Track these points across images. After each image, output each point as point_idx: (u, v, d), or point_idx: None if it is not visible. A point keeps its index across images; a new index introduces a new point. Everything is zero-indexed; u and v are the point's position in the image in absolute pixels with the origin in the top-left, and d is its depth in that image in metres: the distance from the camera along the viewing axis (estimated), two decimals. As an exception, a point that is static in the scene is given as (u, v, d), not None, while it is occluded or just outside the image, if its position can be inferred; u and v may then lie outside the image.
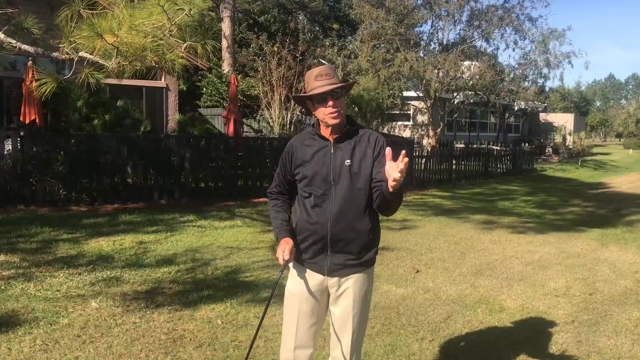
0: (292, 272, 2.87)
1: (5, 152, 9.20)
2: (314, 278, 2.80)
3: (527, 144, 25.57)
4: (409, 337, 4.43)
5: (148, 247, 6.97)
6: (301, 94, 2.84)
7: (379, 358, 3.96)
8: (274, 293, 2.86)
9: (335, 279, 2.78)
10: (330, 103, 2.70)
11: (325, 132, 2.80)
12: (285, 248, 2.69)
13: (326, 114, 2.72)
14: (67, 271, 5.77)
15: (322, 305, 2.86)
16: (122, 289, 5.30)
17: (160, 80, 15.73)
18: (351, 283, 2.78)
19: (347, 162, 2.74)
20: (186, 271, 6.03)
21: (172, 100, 16.16)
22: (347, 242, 2.74)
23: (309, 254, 2.79)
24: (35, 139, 9.49)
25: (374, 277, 2.96)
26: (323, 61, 22.98)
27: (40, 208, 9.09)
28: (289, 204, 2.93)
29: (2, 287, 5.16)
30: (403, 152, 2.49)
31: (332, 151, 2.76)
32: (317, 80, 2.71)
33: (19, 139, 9.29)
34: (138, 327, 4.38)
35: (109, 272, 5.80)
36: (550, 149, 33.76)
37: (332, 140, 2.78)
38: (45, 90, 5.61)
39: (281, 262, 2.69)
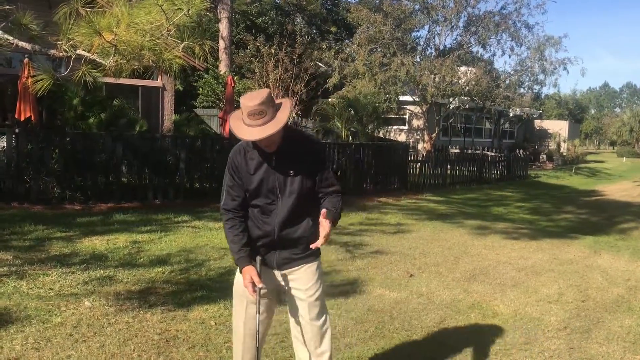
0: None
1: (0, 149, 9.16)
2: (265, 272, 2.93)
3: (521, 151, 25.65)
4: (402, 341, 4.44)
5: (142, 247, 6.95)
6: (235, 128, 2.74)
7: (371, 361, 3.97)
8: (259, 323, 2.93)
9: (285, 271, 2.95)
10: (264, 141, 2.73)
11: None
12: (251, 279, 2.81)
13: (260, 145, 2.80)
14: (61, 270, 5.75)
15: (271, 299, 3.01)
16: (115, 289, 5.28)
17: (157, 80, 15.70)
18: (301, 272, 2.95)
19: (291, 172, 2.83)
20: (180, 271, 6.02)
21: (168, 100, 16.12)
22: (293, 242, 2.91)
23: (259, 252, 2.93)
24: (30, 137, 9.46)
25: (322, 267, 3.11)
26: (320, 64, 23.00)
27: (34, 206, 9.06)
28: (245, 223, 2.91)
29: (-5, 285, 5.14)
30: (323, 211, 2.74)
31: (273, 164, 2.84)
32: (250, 119, 2.68)
33: (13, 136, 9.25)
34: (131, 327, 4.37)
35: (102, 271, 5.79)
36: (544, 156, 33.88)
37: (273, 153, 2.83)
38: (41, 87, 5.58)
39: (252, 292, 2.82)
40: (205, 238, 7.68)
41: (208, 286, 5.49)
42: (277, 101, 2.78)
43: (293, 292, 2.97)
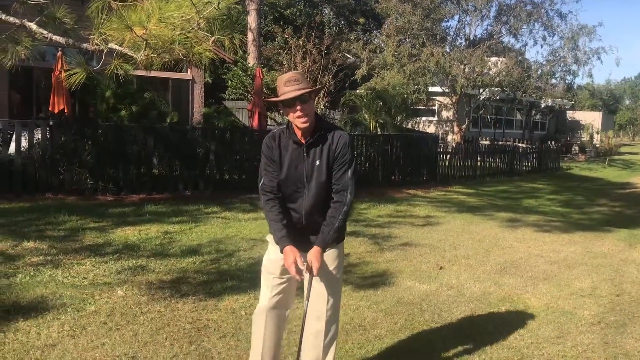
0: (271, 244, 3.14)
1: (35, 142, 9.36)
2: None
3: (553, 142, 25.21)
4: (431, 334, 4.42)
5: (173, 237, 7.05)
6: (273, 98, 3.03)
7: (401, 354, 3.96)
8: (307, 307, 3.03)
9: (303, 249, 3.03)
10: (299, 107, 2.92)
11: (298, 133, 3.01)
12: (294, 259, 2.91)
13: (295, 118, 2.95)
14: (94, 259, 5.87)
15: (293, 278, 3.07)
16: (147, 278, 5.37)
17: (187, 72, 15.85)
18: (326, 254, 3.06)
19: (317, 162, 3.00)
20: (210, 262, 6.08)
21: (198, 92, 16.27)
22: (319, 228, 3.04)
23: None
24: (63, 129, 9.64)
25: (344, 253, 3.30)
26: (348, 55, 22.92)
27: (67, 197, 9.24)
28: (284, 205, 3.05)
29: (31, 273, 5.27)
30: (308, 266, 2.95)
31: (304, 154, 3.01)
32: (286, 86, 2.94)
33: (48, 129, 9.45)
34: (163, 316, 4.44)
35: (134, 261, 5.88)
36: (576, 147, 33.23)
37: (304, 143, 3.00)
38: (75, 81, 5.68)
39: (294, 273, 2.92)
40: (235, 229, 7.74)
41: (238, 276, 5.54)
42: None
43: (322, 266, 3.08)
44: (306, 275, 2.99)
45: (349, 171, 3.01)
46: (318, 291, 3.10)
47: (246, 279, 5.41)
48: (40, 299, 4.67)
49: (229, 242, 6.97)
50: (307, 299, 3.02)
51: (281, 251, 2.96)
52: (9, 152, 9.07)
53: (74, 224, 7.43)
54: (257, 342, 3.16)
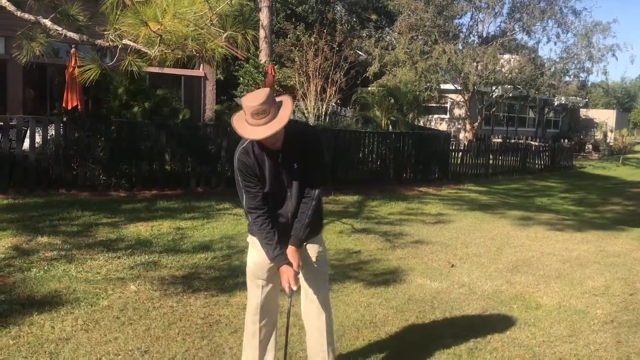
0: (253, 246, 3.19)
1: (49, 138, 9.44)
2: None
3: (566, 140, 25.02)
4: (442, 331, 4.41)
5: (185, 233, 7.09)
6: (239, 128, 2.81)
7: (412, 351, 3.96)
8: (288, 322, 3.15)
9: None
10: (269, 139, 2.81)
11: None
12: (290, 277, 2.95)
13: (265, 144, 2.88)
14: (107, 254, 5.91)
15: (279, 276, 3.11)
16: (160, 273, 5.41)
17: (199, 69, 15.90)
18: (309, 245, 3.15)
19: (295, 166, 2.97)
20: (222, 258, 6.11)
21: (210, 89, 16.33)
22: None
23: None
24: (77, 125, 9.71)
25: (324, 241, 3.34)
26: (360, 52, 22.86)
27: (80, 192, 9.31)
28: (271, 219, 3.02)
29: (45, 268, 5.32)
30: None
31: (280, 161, 2.96)
32: (253, 118, 2.75)
33: (61, 125, 9.52)
34: (175, 311, 4.47)
35: (147, 257, 5.93)
36: (590, 146, 32.97)
37: (279, 151, 2.94)
38: (89, 77, 5.74)
39: (288, 291, 2.97)
40: (246, 225, 7.74)
41: (249, 273, 5.56)
42: (278, 99, 2.86)
43: (305, 261, 3.14)
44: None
45: (319, 167, 3.04)
46: (311, 286, 3.15)
47: (257, 275, 5.43)
48: (54, 293, 4.72)
49: (241, 239, 6.99)
50: (290, 296, 3.04)
51: (278, 269, 3.00)
52: (23, 148, 9.15)
53: (87, 220, 7.49)
54: (254, 341, 3.23)
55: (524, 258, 6.92)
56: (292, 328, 4.02)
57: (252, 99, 2.75)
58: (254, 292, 3.19)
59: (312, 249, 3.16)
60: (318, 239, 3.21)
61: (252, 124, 2.76)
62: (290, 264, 2.95)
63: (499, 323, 4.64)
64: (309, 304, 3.21)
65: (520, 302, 5.21)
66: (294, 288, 2.95)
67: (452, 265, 6.39)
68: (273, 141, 2.85)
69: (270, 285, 3.17)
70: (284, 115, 2.77)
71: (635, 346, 4.27)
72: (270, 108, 2.73)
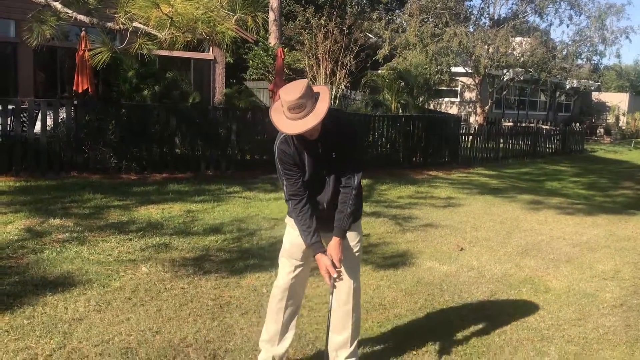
0: (291, 227, 3.18)
1: (60, 121, 9.49)
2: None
3: (577, 124, 24.82)
4: (451, 314, 4.43)
5: (196, 216, 7.13)
6: (278, 123, 2.83)
7: (421, 333, 3.98)
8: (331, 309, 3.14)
9: (331, 233, 3.08)
10: (306, 132, 2.82)
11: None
12: (326, 269, 2.99)
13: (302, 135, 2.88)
14: (119, 236, 5.97)
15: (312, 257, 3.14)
16: (171, 255, 5.46)
17: (208, 52, 15.88)
18: (348, 234, 3.11)
19: (333, 154, 2.99)
20: (232, 240, 6.16)
21: (219, 72, 16.32)
22: None
23: None
24: (88, 108, 9.76)
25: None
26: (370, 35, 22.68)
27: (92, 175, 9.38)
28: (309, 201, 3.04)
29: (58, 250, 5.39)
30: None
31: (319, 150, 2.97)
32: (290, 112, 2.77)
33: (72, 108, 9.56)
34: (186, 293, 4.52)
35: (158, 239, 5.98)
36: (601, 130, 32.68)
37: (317, 140, 2.95)
38: (100, 60, 5.75)
39: (328, 280, 3.01)
40: (257, 208, 7.80)
41: (260, 255, 5.60)
42: (315, 89, 2.85)
43: (343, 247, 3.13)
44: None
45: (356, 154, 3.06)
46: (344, 273, 3.14)
47: (268, 257, 5.46)
48: (67, 274, 4.78)
49: (251, 222, 7.04)
50: (332, 293, 3.07)
51: (313, 256, 3.04)
52: (35, 131, 9.21)
53: (99, 202, 7.55)
54: (277, 317, 3.21)
55: (533, 242, 6.91)
56: (301, 309, 4.07)
57: (290, 93, 2.75)
58: (286, 271, 3.20)
59: (351, 237, 3.16)
60: (357, 225, 3.21)
61: (289, 118, 2.78)
62: (325, 253, 2.99)
63: (508, 306, 4.65)
64: (339, 291, 3.19)
65: (529, 286, 5.21)
66: (334, 275, 2.97)
67: (462, 249, 6.40)
68: (310, 133, 2.86)
69: (303, 266, 3.20)
70: (321, 109, 2.77)
71: (644, 330, 4.27)
72: (307, 102, 2.74)
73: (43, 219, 6.46)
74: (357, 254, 3.22)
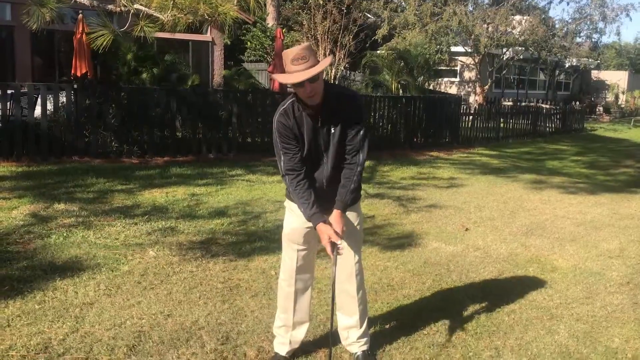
0: (290, 211, 3.16)
1: (60, 105, 9.43)
2: None
3: (577, 103, 24.73)
4: (459, 293, 4.45)
5: (200, 199, 7.12)
6: (279, 76, 2.90)
7: (430, 313, 4.00)
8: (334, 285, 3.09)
9: (330, 213, 3.04)
10: (308, 87, 2.78)
11: (309, 106, 2.90)
12: (328, 239, 2.91)
13: (304, 96, 2.84)
14: (124, 221, 5.97)
15: (315, 240, 3.15)
16: (177, 239, 5.46)
17: (207, 34, 15.74)
18: (348, 215, 3.10)
19: (332, 130, 2.94)
20: (238, 223, 6.16)
21: (218, 54, 16.18)
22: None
23: None
24: (87, 92, 9.69)
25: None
26: (369, 15, 22.51)
27: (93, 159, 9.36)
28: (308, 179, 3.00)
29: (65, 235, 5.38)
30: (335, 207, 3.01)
31: (319, 124, 2.93)
32: (293, 64, 2.77)
33: (72, 92, 9.50)
34: (195, 276, 4.52)
35: (164, 223, 5.98)
36: (601, 108, 32.61)
37: (318, 114, 2.91)
38: (102, 43, 5.70)
39: (331, 252, 2.95)
40: (260, 191, 7.79)
41: (266, 237, 5.60)
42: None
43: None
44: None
45: (361, 132, 2.97)
46: (345, 254, 3.13)
47: (274, 240, 5.46)
48: (75, 259, 4.78)
49: (255, 204, 7.03)
50: (335, 264, 3.02)
51: (314, 228, 2.97)
52: (35, 115, 9.15)
53: (102, 187, 7.53)
54: (288, 301, 3.22)
55: (537, 221, 6.93)
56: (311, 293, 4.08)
57: (294, 48, 2.80)
58: (290, 256, 3.19)
59: (351, 217, 3.15)
60: (356, 206, 3.19)
61: (291, 71, 2.78)
62: (325, 221, 2.93)
63: (516, 285, 4.67)
64: (341, 273, 3.19)
65: (535, 265, 5.23)
66: (337, 242, 2.90)
67: (467, 229, 6.41)
68: (312, 92, 2.80)
69: (306, 250, 3.17)
70: (323, 63, 2.81)
71: (652, 307, 4.30)
72: (310, 56, 2.77)
73: (47, 203, 6.45)
74: (358, 234, 3.21)
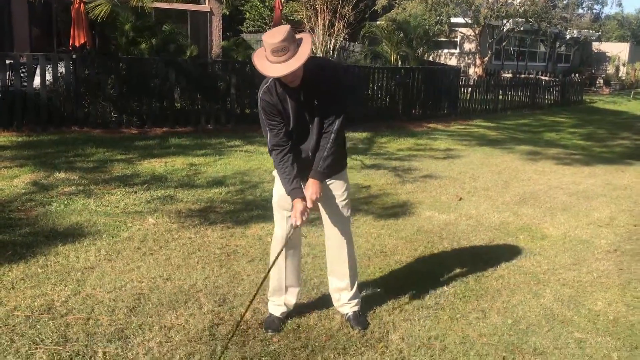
0: (277, 180, 3.24)
1: (59, 75, 9.46)
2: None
3: (577, 75, 24.64)
4: (450, 260, 4.57)
5: (198, 169, 7.23)
6: (259, 64, 2.84)
7: (420, 277, 4.13)
8: (280, 251, 3.20)
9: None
10: (288, 77, 2.84)
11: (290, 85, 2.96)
12: (297, 211, 3.02)
13: (285, 81, 2.91)
14: (124, 189, 6.08)
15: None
16: (176, 207, 5.57)
17: (205, 4, 15.65)
18: (333, 183, 3.24)
19: (315, 102, 3.01)
20: (236, 192, 6.27)
21: (216, 25, 16.11)
22: None
23: (301, 175, 3.13)
24: (86, 62, 9.70)
25: (348, 178, 3.40)
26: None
27: (93, 130, 9.42)
28: (292, 154, 3.08)
29: (65, 202, 5.49)
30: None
31: (302, 98, 2.99)
32: (273, 55, 2.77)
33: (71, 62, 9.51)
34: (193, 242, 4.65)
35: (163, 191, 6.08)
36: (601, 80, 32.48)
37: (299, 87, 2.96)
38: (100, 13, 5.73)
39: (293, 223, 3.07)
40: (258, 162, 7.89)
41: (263, 206, 5.71)
42: (298, 36, 2.88)
43: (328, 196, 3.25)
44: (320, 207, 3.25)
45: (337, 100, 3.04)
46: (333, 222, 3.28)
47: (271, 208, 5.43)
48: (76, 225, 4.90)
49: (253, 174, 7.13)
50: (289, 232, 3.15)
51: (292, 201, 3.08)
52: (34, 85, 9.19)
53: (102, 156, 7.63)
54: (279, 267, 3.34)
55: (531, 191, 7.04)
56: (306, 257, 4.21)
57: (272, 36, 2.76)
58: (280, 223, 3.31)
59: (336, 186, 3.25)
60: (342, 175, 3.28)
61: (272, 62, 2.78)
62: (303, 199, 3.04)
63: (505, 252, 4.80)
64: (331, 239, 3.33)
65: (526, 233, 5.36)
66: (298, 222, 3.03)
67: (460, 199, 6.52)
68: (292, 79, 2.88)
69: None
70: (303, 52, 2.80)
71: (636, 273, 4.43)
72: (290, 45, 2.75)
73: (48, 172, 6.55)
74: (344, 202, 3.30)
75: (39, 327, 3.18)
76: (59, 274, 3.90)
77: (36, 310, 3.37)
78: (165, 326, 3.26)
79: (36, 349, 2.96)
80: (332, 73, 3.11)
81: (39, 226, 4.83)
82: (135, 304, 3.51)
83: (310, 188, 3.06)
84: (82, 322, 3.26)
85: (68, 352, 2.95)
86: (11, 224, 4.83)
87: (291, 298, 3.41)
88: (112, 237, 4.68)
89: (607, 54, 37.11)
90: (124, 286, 3.77)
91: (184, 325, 3.28)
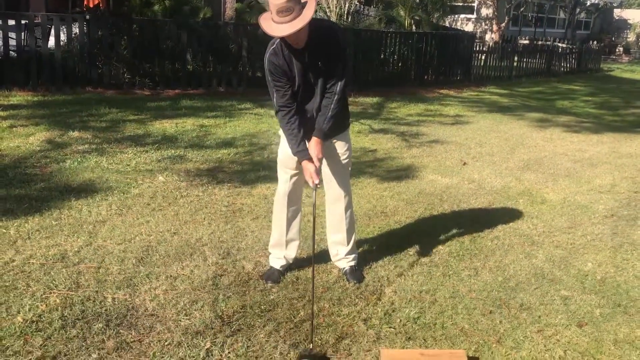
0: (283, 139, 3.35)
1: (73, 36, 9.58)
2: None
3: (595, 42, 24.24)
4: (449, 221, 4.71)
5: (208, 131, 7.37)
6: (262, 26, 2.93)
7: (418, 237, 4.27)
8: (315, 212, 3.22)
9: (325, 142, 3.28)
10: (292, 37, 2.91)
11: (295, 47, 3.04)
12: (311, 172, 3.12)
13: (289, 42, 2.98)
14: (136, 148, 6.25)
15: None
16: (186, 166, 5.74)
17: (219, -35, 15.54)
18: (337, 142, 3.37)
19: (320, 63, 3.09)
20: (244, 153, 6.42)
21: (230, -14, 16.02)
22: None
23: (306, 135, 3.22)
24: (100, 23, 9.80)
25: (350, 138, 3.53)
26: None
27: (106, 90, 9.58)
28: (298, 115, 3.18)
29: (79, 160, 5.68)
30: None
31: (307, 59, 3.08)
32: (278, 16, 2.84)
33: (85, 23, 9.62)
34: (201, 199, 4.82)
35: (173, 151, 6.26)
36: (621, 48, 31.92)
37: (304, 49, 3.04)
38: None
39: (312, 184, 3.15)
40: (267, 124, 8.01)
41: (270, 167, 5.81)
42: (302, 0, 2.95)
43: (331, 155, 3.38)
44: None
45: (340, 62, 3.13)
46: (333, 178, 3.43)
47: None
48: (89, 182, 5.09)
49: (262, 137, 7.27)
50: (315, 192, 3.22)
51: (299, 162, 3.21)
52: (49, 46, 9.33)
53: (115, 116, 7.79)
54: (281, 222, 3.51)
55: (536, 157, 7.11)
56: (308, 215, 4.37)
57: None
58: (283, 180, 3.46)
59: (339, 146, 3.38)
60: (344, 136, 3.40)
61: (277, 22, 2.87)
62: (311, 159, 3.15)
63: (504, 215, 4.92)
64: (330, 194, 3.49)
65: (526, 197, 5.47)
66: (316, 181, 3.14)
67: (464, 163, 6.62)
68: (296, 40, 2.97)
69: (298, 175, 3.41)
70: (307, 14, 2.88)
71: (629, 237, 4.54)
72: (295, 6, 2.82)
73: (62, 131, 6.73)
74: (345, 161, 3.43)
75: (52, 274, 3.38)
76: (72, 226, 4.10)
77: (50, 259, 3.57)
78: (171, 276, 3.45)
79: (50, 293, 3.17)
80: (336, 35, 3.19)
81: (53, 182, 5.03)
82: (143, 255, 3.70)
83: (314, 147, 3.17)
84: (93, 271, 3.46)
85: (80, 296, 3.15)
86: (27, 180, 5.04)
87: (291, 252, 3.58)
88: (123, 193, 4.87)
89: (628, 21, 36.33)
90: (133, 239, 3.96)
91: (188, 275, 3.47)
